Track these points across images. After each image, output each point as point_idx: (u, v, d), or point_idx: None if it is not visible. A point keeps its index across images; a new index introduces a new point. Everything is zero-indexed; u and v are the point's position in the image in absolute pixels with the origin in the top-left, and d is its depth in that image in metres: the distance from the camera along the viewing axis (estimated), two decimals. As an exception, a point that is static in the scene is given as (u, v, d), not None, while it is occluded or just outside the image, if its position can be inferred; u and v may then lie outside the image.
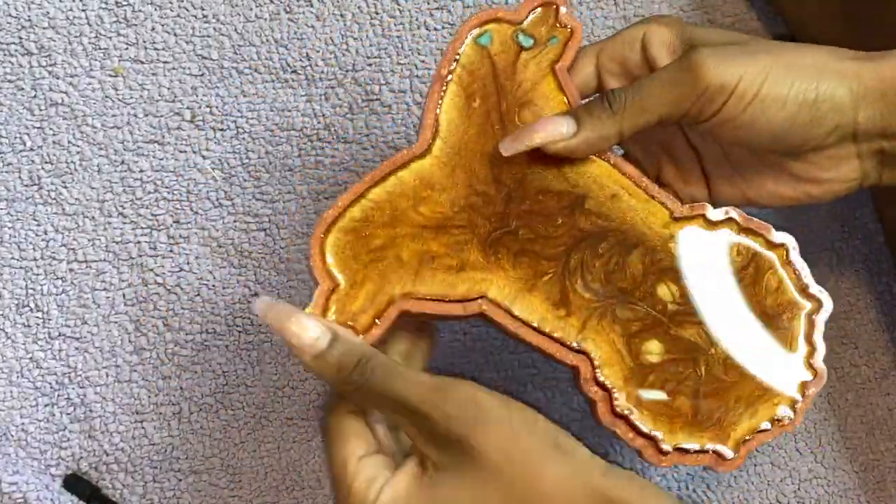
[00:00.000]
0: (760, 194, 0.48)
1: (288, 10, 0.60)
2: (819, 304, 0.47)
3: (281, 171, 0.59)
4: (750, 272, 0.46)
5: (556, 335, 0.44)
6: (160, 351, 0.56)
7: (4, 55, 0.59)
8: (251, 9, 0.60)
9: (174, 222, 0.58)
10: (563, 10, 0.47)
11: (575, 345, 0.44)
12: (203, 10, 0.60)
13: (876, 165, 0.46)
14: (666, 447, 0.44)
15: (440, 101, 0.46)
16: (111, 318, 0.56)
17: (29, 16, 0.59)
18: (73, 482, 0.54)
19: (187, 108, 0.59)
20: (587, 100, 0.46)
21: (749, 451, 0.44)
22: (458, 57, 0.46)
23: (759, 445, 0.45)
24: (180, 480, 0.55)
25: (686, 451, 0.44)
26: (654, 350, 0.45)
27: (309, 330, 0.41)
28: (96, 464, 0.55)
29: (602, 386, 0.44)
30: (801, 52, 0.45)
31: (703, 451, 0.44)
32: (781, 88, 0.43)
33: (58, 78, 0.59)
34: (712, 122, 0.44)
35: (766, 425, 0.45)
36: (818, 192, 0.47)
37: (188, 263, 0.57)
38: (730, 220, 0.46)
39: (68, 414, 0.55)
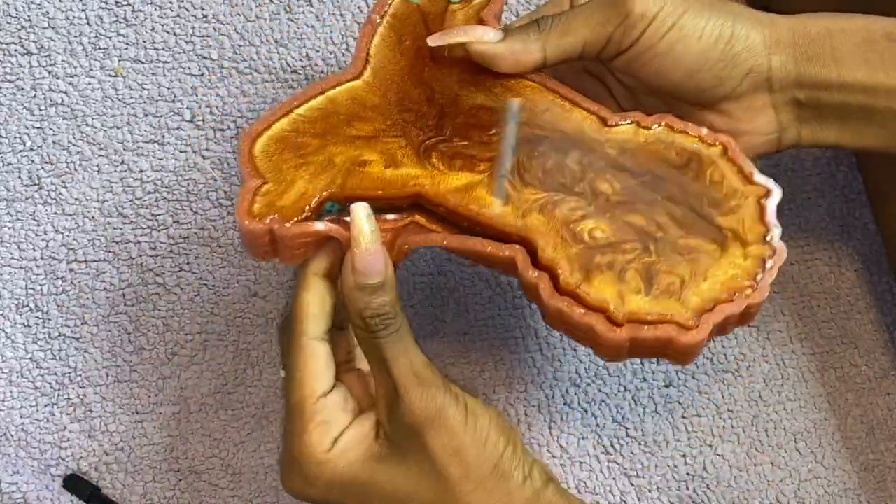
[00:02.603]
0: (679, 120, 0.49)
1: (288, 10, 0.60)
2: (767, 190, 0.46)
3: (281, 171, 0.59)
4: (692, 168, 0.46)
5: (495, 225, 0.44)
6: (160, 351, 0.56)
7: (4, 55, 0.59)
8: (251, 9, 0.60)
9: (174, 222, 0.58)
10: None
11: (515, 235, 0.44)
12: (203, 10, 0.60)
13: (794, 120, 0.47)
14: (618, 315, 0.43)
15: (371, 39, 0.48)
16: (111, 318, 0.56)
17: (29, 16, 0.59)
18: (73, 482, 0.54)
19: (187, 108, 0.59)
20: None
21: (712, 325, 0.42)
22: (387, 8, 0.49)
23: (721, 319, 0.43)
24: (180, 480, 0.55)
25: (641, 320, 0.43)
26: (599, 235, 0.44)
27: (377, 264, 0.42)
28: (96, 464, 0.55)
29: (544, 268, 0.44)
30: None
31: (660, 321, 0.42)
32: (699, 21, 0.45)
33: (58, 78, 0.59)
34: (631, 53, 0.46)
35: (726, 296, 0.43)
36: (742, 131, 0.48)
37: (188, 263, 0.57)
38: (664, 125, 0.47)
39: (68, 414, 0.55)
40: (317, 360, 0.44)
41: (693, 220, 0.45)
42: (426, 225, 0.46)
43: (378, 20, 0.49)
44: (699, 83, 0.46)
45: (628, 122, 0.47)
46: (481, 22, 0.48)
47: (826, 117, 0.47)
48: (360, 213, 0.43)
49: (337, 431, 0.43)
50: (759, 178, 0.46)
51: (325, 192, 0.44)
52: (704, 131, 0.47)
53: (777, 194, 0.46)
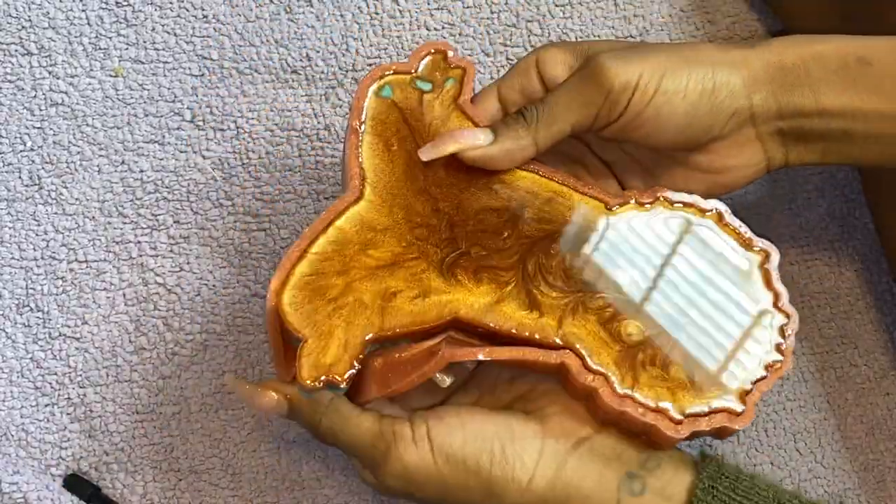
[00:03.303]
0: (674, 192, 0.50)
1: (288, 10, 0.60)
2: (766, 254, 0.48)
3: (281, 171, 0.59)
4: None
5: (535, 337, 0.45)
6: (160, 351, 0.56)
7: (4, 55, 0.59)
8: (251, 9, 0.60)
9: (174, 222, 0.58)
10: (450, 54, 0.49)
11: (558, 341, 0.45)
12: (203, 10, 0.60)
13: (779, 147, 0.48)
14: (677, 416, 0.45)
15: (359, 151, 0.48)
16: (111, 318, 0.57)
17: (29, 16, 0.59)
18: (73, 482, 0.54)
19: (187, 108, 0.59)
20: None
21: (755, 402, 0.45)
22: (365, 106, 0.48)
23: (762, 394, 0.46)
24: (180, 480, 0.55)
25: (697, 414, 0.45)
26: (633, 330, 0.46)
27: (266, 402, 0.47)
28: (96, 464, 0.55)
29: (597, 372, 0.45)
30: (694, 48, 0.48)
31: (714, 412, 0.45)
32: (680, 80, 0.46)
33: (58, 78, 0.59)
34: (620, 123, 0.46)
35: (761, 373, 0.46)
36: (728, 181, 0.49)
37: (188, 263, 0.57)
38: (659, 198, 0.48)
39: (68, 414, 0.55)
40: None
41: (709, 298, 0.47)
42: (464, 339, 0.46)
43: (359, 126, 0.48)
44: (689, 136, 0.47)
45: (632, 201, 0.48)
46: (460, 112, 0.49)
47: (809, 141, 0.48)
48: (229, 382, 0.49)
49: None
50: (757, 242, 0.48)
51: (366, 338, 0.45)
52: (701, 202, 0.48)
53: (776, 256, 0.48)
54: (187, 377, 0.56)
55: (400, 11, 0.61)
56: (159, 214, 0.58)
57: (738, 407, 0.45)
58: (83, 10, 0.59)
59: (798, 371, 0.58)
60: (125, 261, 0.57)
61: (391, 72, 0.49)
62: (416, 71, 0.49)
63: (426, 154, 0.47)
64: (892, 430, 0.58)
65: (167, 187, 0.58)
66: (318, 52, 0.60)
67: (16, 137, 0.58)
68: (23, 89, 0.58)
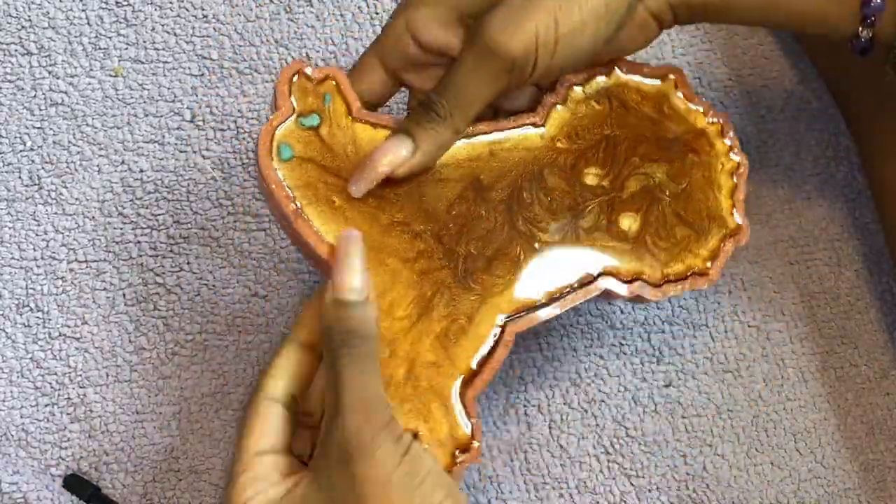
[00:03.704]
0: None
1: (288, 10, 0.60)
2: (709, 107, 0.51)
3: (281, 171, 0.59)
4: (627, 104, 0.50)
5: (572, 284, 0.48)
6: (160, 351, 0.56)
7: (4, 55, 0.59)
8: (251, 9, 0.60)
9: (174, 222, 0.58)
10: (308, 70, 0.46)
11: (593, 273, 0.48)
12: (203, 10, 0.60)
13: (667, 12, 0.48)
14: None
15: (314, 227, 0.45)
16: (111, 318, 0.56)
17: (29, 16, 0.59)
18: (73, 482, 0.54)
19: (187, 107, 0.59)
20: (407, 114, 0.47)
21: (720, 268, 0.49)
22: (283, 183, 0.45)
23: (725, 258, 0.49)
24: (180, 480, 0.55)
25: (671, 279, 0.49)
26: (627, 222, 0.49)
27: (353, 281, 0.43)
28: (96, 464, 0.55)
29: (634, 280, 0.48)
30: None
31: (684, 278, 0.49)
32: (574, 16, 0.45)
33: (58, 78, 0.59)
34: (531, 80, 0.46)
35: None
36: (623, 52, 0.50)
37: (188, 263, 0.57)
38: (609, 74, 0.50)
39: (68, 414, 0.55)
40: (265, 420, 0.44)
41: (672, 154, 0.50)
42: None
43: (295, 206, 0.45)
44: (596, 52, 0.47)
45: (559, 104, 0.49)
46: (363, 122, 0.47)
47: (694, 9, 0.47)
48: (349, 234, 0.44)
49: (265, 490, 0.43)
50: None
51: (457, 389, 0.45)
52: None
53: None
54: (187, 377, 0.56)
55: (400, 11, 0.61)
56: (159, 214, 0.58)
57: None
58: (83, 10, 0.59)
59: (798, 371, 0.58)
60: (125, 261, 0.57)
61: (274, 128, 0.45)
62: (293, 111, 0.46)
63: (357, 190, 0.45)
64: (892, 430, 0.58)
65: (167, 187, 0.58)
66: (317, 51, 0.60)
67: (16, 137, 0.58)
68: (23, 89, 0.58)
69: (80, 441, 0.55)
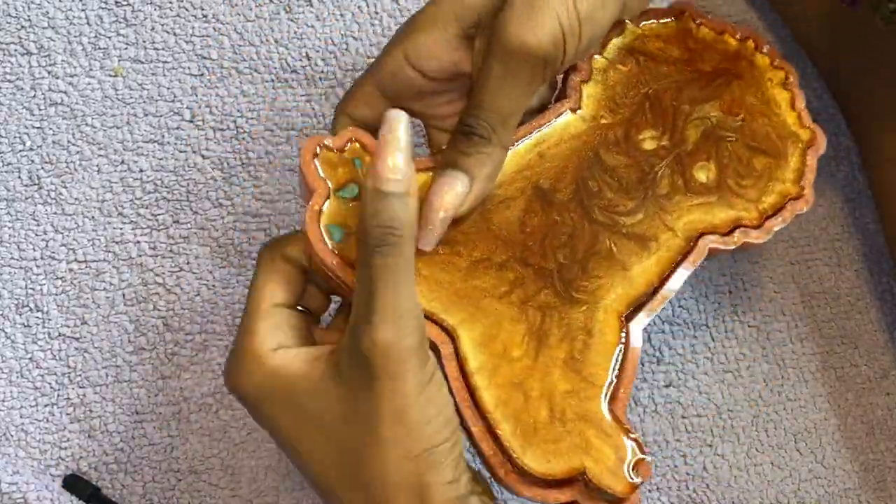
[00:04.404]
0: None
1: (288, 10, 0.60)
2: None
3: (281, 171, 0.58)
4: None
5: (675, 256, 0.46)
6: (160, 351, 0.56)
7: (4, 55, 0.59)
8: (251, 9, 0.60)
9: (174, 222, 0.58)
10: (328, 142, 0.43)
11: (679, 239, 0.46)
12: (203, 10, 0.60)
13: None
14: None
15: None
16: (111, 318, 0.56)
17: (29, 16, 0.59)
18: (73, 482, 0.54)
19: (187, 107, 0.59)
20: (443, 149, 0.44)
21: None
22: (348, 267, 0.42)
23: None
24: (180, 480, 0.55)
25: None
26: (702, 174, 0.47)
27: (397, 172, 0.39)
28: (96, 464, 0.55)
29: (745, 225, 0.47)
30: None
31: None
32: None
33: (57, 78, 0.59)
34: (563, 68, 0.44)
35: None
36: (638, 6, 0.48)
37: (188, 263, 0.57)
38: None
39: (68, 414, 0.55)
40: (281, 276, 0.43)
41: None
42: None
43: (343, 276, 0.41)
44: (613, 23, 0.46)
45: (585, 81, 0.48)
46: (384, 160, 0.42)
47: None
48: (396, 115, 0.39)
49: (285, 340, 0.41)
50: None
51: (606, 408, 0.43)
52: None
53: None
54: (187, 377, 0.56)
55: (400, 11, 0.61)
56: (159, 214, 0.58)
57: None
58: (83, 10, 0.59)
59: (798, 371, 0.58)
60: (124, 261, 0.57)
61: (318, 213, 0.42)
62: (328, 189, 0.42)
63: (428, 244, 0.42)
64: (892, 430, 0.58)
65: (167, 187, 0.58)
66: (317, 51, 0.60)
67: (15, 137, 0.58)
68: (22, 89, 0.58)
69: (80, 441, 0.55)
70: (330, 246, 0.42)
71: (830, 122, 0.62)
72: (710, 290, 0.59)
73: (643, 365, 0.58)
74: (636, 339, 0.43)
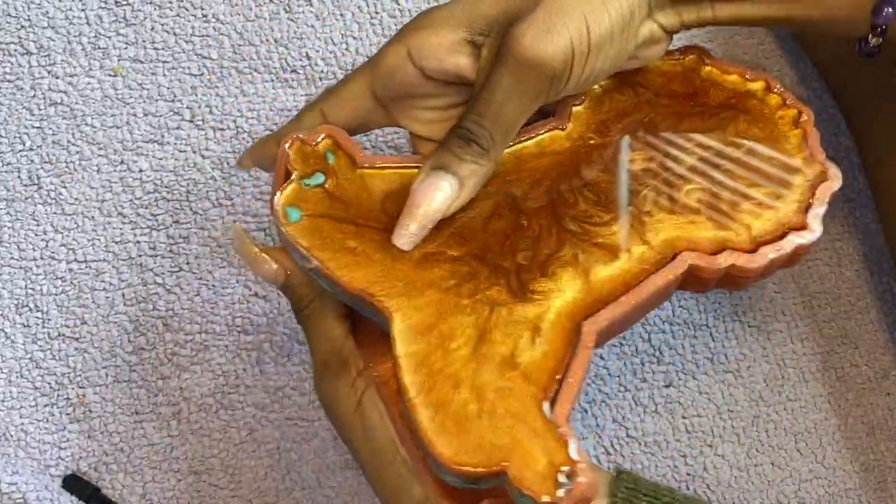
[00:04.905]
0: None
1: (288, 9, 0.60)
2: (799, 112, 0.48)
3: (281, 170, 0.58)
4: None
5: (645, 269, 0.44)
6: (159, 351, 0.56)
7: (4, 55, 0.59)
8: (251, 9, 0.60)
9: (174, 222, 0.57)
10: (302, 136, 0.45)
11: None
12: (203, 9, 0.60)
13: (674, 18, 0.46)
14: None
15: (337, 277, 0.42)
16: (110, 318, 0.56)
17: (28, 15, 0.59)
18: (73, 482, 0.54)
19: (187, 107, 0.59)
20: (436, 149, 0.43)
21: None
22: (298, 244, 0.43)
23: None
24: (180, 480, 0.55)
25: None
26: (696, 195, 0.45)
27: (266, 269, 0.44)
28: (96, 464, 0.55)
29: (720, 250, 0.44)
30: None
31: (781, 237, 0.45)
32: (604, 23, 0.42)
33: (57, 77, 0.59)
34: (564, 93, 0.44)
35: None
36: (639, 64, 0.48)
37: (188, 263, 0.57)
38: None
39: (68, 414, 0.55)
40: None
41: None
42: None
43: (315, 262, 0.42)
44: (616, 68, 0.45)
45: (575, 105, 0.47)
46: (374, 169, 0.45)
47: (704, 21, 0.46)
48: (237, 231, 0.45)
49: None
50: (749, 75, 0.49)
51: (546, 410, 0.40)
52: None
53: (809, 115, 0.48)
54: (187, 377, 0.56)
55: (400, 11, 0.61)
56: (158, 214, 0.58)
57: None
58: (82, 10, 0.59)
59: (799, 371, 0.58)
60: (124, 261, 0.57)
61: (280, 193, 0.43)
62: (293, 175, 0.44)
63: (407, 243, 0.42)
64: (893, 430, 0.58)
65: (166, 187, 0.58)
66: (317, 51, 0.60)
67: (15, 137, 0.58)
68: (22, 89, 0.58)
69: (80, 441, 0.55)
70: (284, 228, 0.43)
71: (830, 122, 0.62)
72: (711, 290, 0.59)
73: (643, 365, 0.58)
74: (587, 343, 0.41)
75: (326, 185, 0.44)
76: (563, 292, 0.42)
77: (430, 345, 0.41)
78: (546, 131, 0.47)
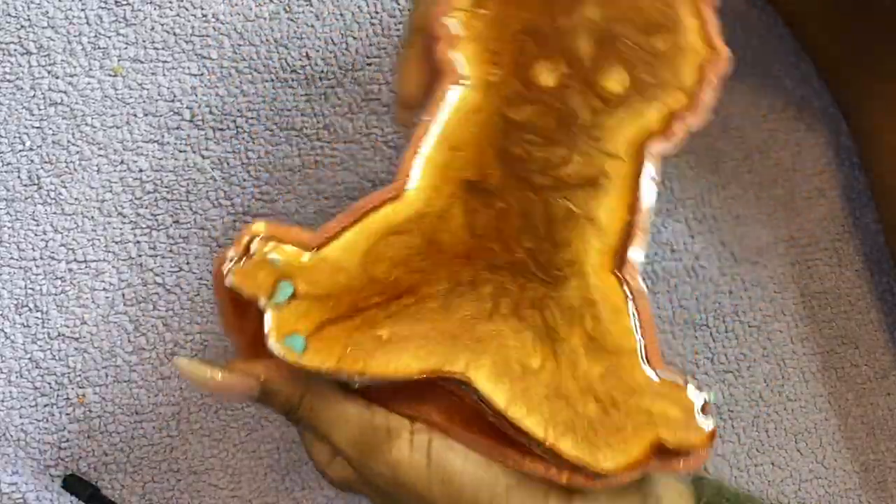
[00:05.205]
0: None
1: (288, 9, 0.60)
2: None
3: (281, 171, 0.58)
4: None
5: None
6: (160, 351, 0.56)
7: (3, 55, 0.59)
8: (251, 8, 0.60)
9: (174, 222, 0.57)
10: (230, 254, 0.39)
11: None
12: (202, 9, 0.60)
13: None
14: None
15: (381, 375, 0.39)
16: (110, 318, 0.56)
17: (28, 15, 0.59)
18: (73, 482, 0.54)
19: (186, 107, 0.59)
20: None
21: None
22: (323, 369, 0.38)
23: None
24: (180, 480, 0.55)
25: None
26: (618, 78, 0.41)
27: (240, 387, 0.41)
28: (96, 464, 0.55)
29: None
30: None
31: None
32: None
33: (57, 77, 0.59)
34: None
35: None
36: None
37: (188, 263, 0.57)
38: None
39: (67, 414, 0.55)
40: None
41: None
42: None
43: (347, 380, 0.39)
44: None
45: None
46: (322, 245, 0.39)
47: None
48: (182, 365, 0.40)
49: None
50: None
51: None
52: None
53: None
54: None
55: (400, 11, 0.61)
56: (158, 214, 0.58)
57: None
58: (82, 10, 0.59)
59: (799, 371, 0.58)
60: (124, 261, 0.57)
61: (269, 333, 0.38)
62: (260, 303, 0.38)
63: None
64: (893, 430, 0.58)
65: (166, 187, 0.58)
66: (317, 51, 0.60)
67: (15, 137, 0.58)
68: (21, 89, 0.58)
69: (80, 441, 0.55)
70: (300, 362, 0.38)
71: (830, 122, 0.62)
72: (710, 289, 0.59)
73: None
74: (640, 289, 0.39)
75: (299, 290, 0.39)
76: (583, 252, 0.39)
77: (517, 378, 0.38)
78: (448, 94, 0.41)
